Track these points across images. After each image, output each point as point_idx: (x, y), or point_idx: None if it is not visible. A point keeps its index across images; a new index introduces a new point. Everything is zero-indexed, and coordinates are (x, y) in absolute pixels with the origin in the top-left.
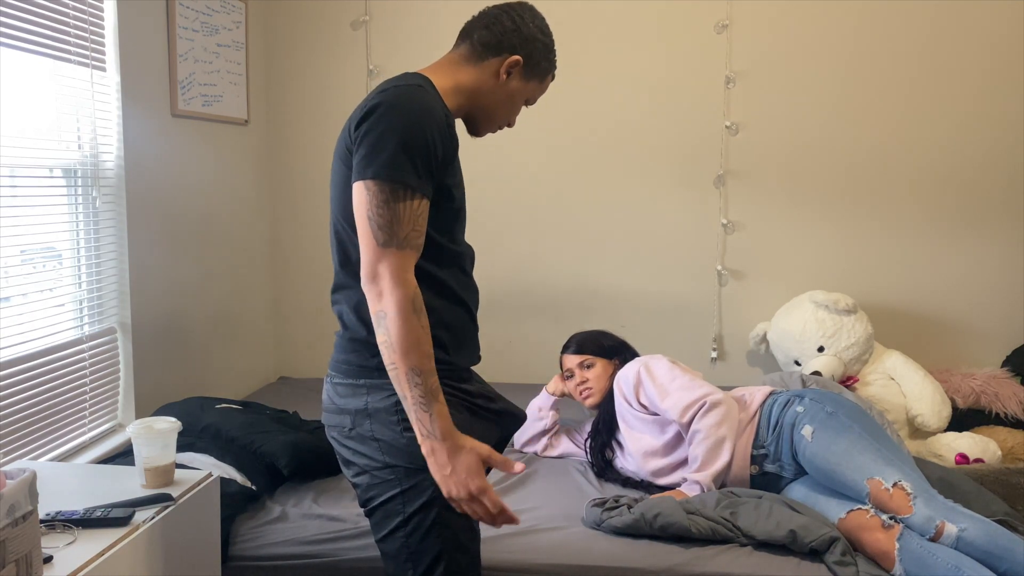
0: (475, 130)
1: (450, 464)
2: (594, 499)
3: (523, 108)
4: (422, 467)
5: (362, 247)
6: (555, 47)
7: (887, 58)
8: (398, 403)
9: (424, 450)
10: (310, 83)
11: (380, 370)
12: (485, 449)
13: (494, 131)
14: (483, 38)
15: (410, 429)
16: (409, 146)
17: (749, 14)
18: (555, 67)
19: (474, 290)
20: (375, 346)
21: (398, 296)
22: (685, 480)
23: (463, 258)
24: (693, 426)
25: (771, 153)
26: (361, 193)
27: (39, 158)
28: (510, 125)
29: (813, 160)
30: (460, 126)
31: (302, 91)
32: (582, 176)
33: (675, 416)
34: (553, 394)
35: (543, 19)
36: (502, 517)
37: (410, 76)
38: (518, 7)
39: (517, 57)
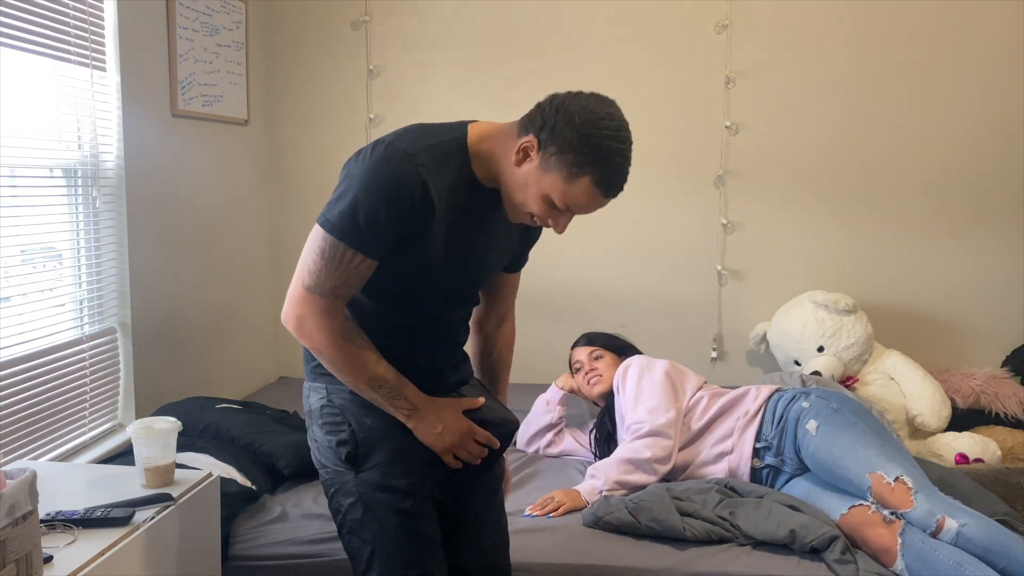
0: (504, 205)
1: (439, 422)
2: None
3: (573, 216)
4: (344, 468)
5: (293, 280)
6: (605, 152)
7: (887, 58)
8: (324, 407)
9: (412, 425)
10: (310, 83)
11: (314, 373)
12: (456, 401)
13: (521, 220)
14: (528, 114)
15: (332, 432)
16: (363, 209)
17: (749, 14)
18: (596, 174)
19: (415, 367)
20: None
21: (324, 338)
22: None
23: (414, 331)
24: (631, 433)
25: (771, 153)
26: (313, 231)
27: (39, 158)
28: (547, 225)
29: (813, 160)
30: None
31: (302, 91)
32: None
33: (627, 418)
34: (562, 388)
35: (608, 117)
36: (492, 443)
37: (437, 132)
38: (583, 96)
39: (529, 138)
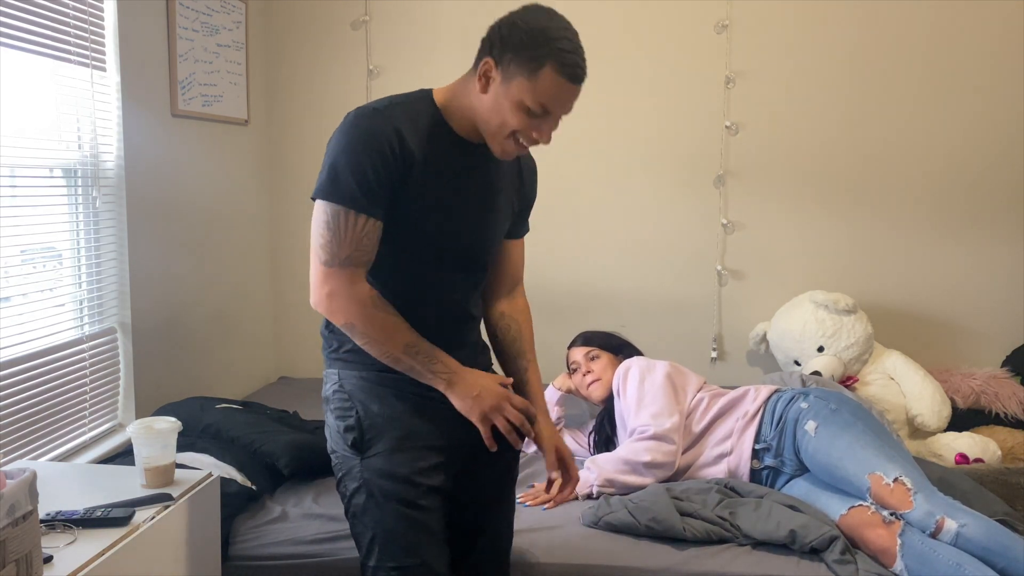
0: (489, 145)
1: (476, 386)
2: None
3: (555, 122)
4: (351, 454)
5: (311, 264)
6: (557, 39)
7: (887, 58)
8: (335, 392)
9: (451, 391)
10: (310, 83)
11: (330, 359)
12: (488, 373)
13: (507, 153)
14: (477, 51)
15: (341, 417)
16: (348, 167)
17: (749, 14)
18: (555, 60)
19: (425, 325)
20: (329, 338)
21: (355, 308)
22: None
23: (422, 302)
24: (635, 435)
25: (771, 153)
26: (314, 209)
27: (39, 158)
28: (532, 141)
29: (813, 160)
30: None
31: (302, 91)
32: (582, 176)
33: (629, 422)
34: (559, 389)
35: (548, 15)
36: (530, 412)
37: (403, 95)
38: (518, 9)
39: (484, 61)
